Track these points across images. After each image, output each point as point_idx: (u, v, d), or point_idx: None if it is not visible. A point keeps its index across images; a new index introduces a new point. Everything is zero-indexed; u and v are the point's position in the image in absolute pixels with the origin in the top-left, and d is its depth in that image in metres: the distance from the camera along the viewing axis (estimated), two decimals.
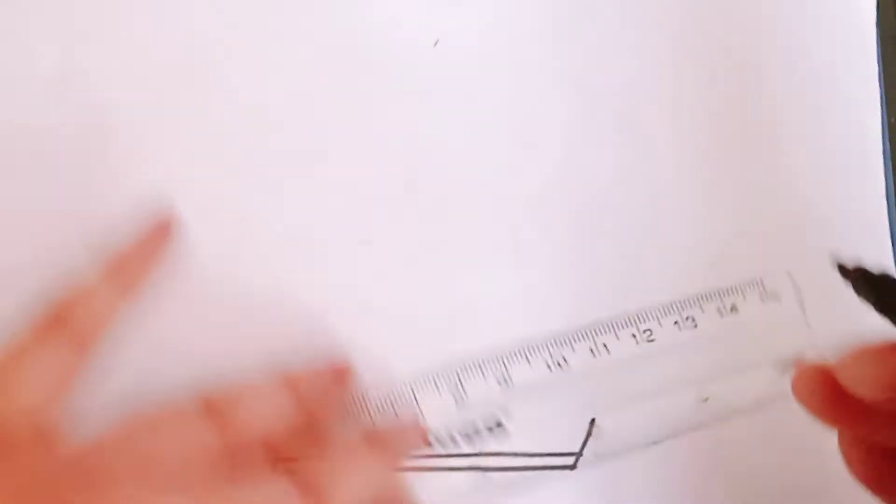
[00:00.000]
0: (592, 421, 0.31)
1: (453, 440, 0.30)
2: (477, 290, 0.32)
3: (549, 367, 0.31)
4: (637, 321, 0.32)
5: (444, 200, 0.32)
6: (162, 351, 0.28)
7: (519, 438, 0.31)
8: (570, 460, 0.31)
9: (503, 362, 0.31)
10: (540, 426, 0.31)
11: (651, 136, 0.33)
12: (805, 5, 0.35)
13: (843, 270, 0.27)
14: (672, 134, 0.34)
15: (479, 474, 0.31)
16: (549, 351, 0.31)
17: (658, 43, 0.34)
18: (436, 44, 0.33)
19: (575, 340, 0.31)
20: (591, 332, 0.32)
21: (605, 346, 0.31)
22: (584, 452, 0.31)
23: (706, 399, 0.32)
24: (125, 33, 0.29)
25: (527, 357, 0.31)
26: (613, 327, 0.32)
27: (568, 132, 0.33)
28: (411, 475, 0.30)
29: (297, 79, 0.32)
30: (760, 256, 0.33)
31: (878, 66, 0.35)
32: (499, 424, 0.31)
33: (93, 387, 0.27)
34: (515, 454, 0.31)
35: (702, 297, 0.32)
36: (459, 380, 0.30)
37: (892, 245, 0.34)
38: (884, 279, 0.27)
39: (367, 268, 0.31)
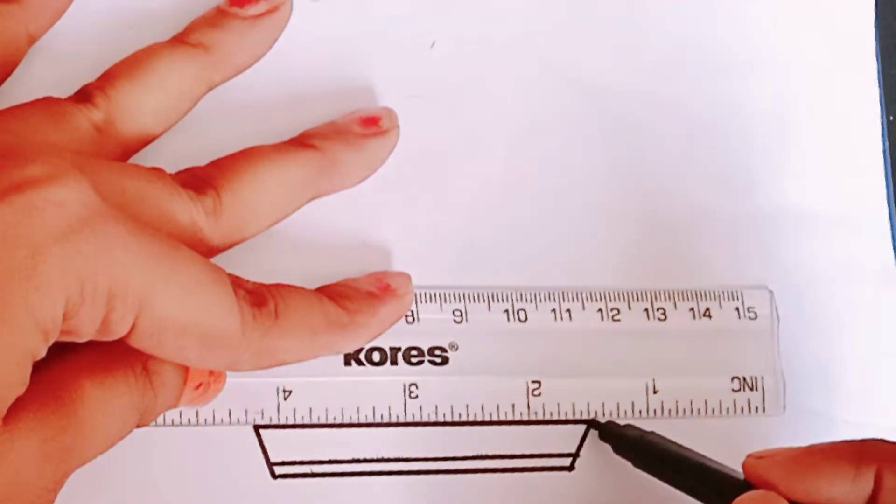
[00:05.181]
0: (589, 423, 0.31)
1: (394, 359, 0.30)
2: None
3: (507, 317, 0.31)
4: (608, 298, 0.32)
5: (443, 201, 0.32)
6: None
7: (456, 376, 0.31)
8: (566, 461, 0.31)
9: (464, 299, 0.31)
10: (482, 369, 0.31)
11: (650, 136, 0.33)
12: (804, 5, 0.34)
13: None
14: (671, 134, 0.34)
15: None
16: (512, 302, 0.31)
17: (657, 43, 0.34)
18: (432, 45, 0.33)
19: (540, 300, 0.31)
20: (558, 296, 0.32)
21: (568, 311, 0.31)
22: (581, 453, 0.31)
23: (656, 392, 0.31)
24: None
25: (489, 301, 0.31)
26: (583, 298, 0.32)
27: (566, 133, 0.33)
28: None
29: (294, 82, 0.32)
30: (756, 258, 0.33)
31: (878, 65, 0.34)
32: (443, 357, 0.31)
33: None
34: (513, 456, 0.31)
35: (678, 294, 0.32)
36: (416, 302, 0.31)
37: (893, 245, 0.34)
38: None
39: (367, 269, 0.31)
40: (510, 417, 0.31)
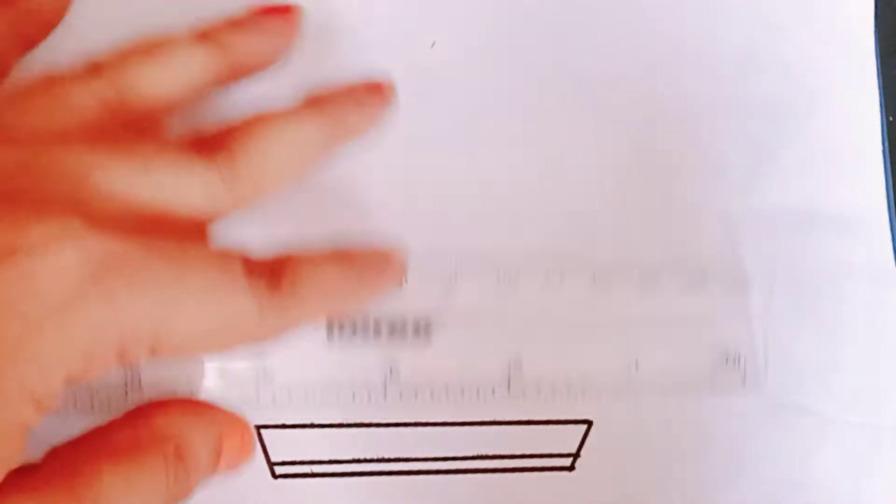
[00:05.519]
0: (590, 424, 0.31)
1: (377, 329, 0.30)
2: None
3: (493, 289, 0.31)
4: (597, 268, 0.32)
5: (442, 201, 0.32)
6: None
7: (440, 352, 0.31)
8: (567, 461, 0.31)
9: (454, 269, 0.31)
10: (464, 343, 0.31)
11: (649, 133, 0.33)
12: (804, 5, 0.34)
13: None
14: (669, 132, 0.33)
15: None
16: (502, 269, 0.31)
17: (656, 41, 0.34)
18: (433, 45, 0.33)
19: (526, 273, 0.31)
20: (545, 269, 0.32)
21: (554, 285, 0.31)
22: (582, 453, 0.31)
23: (637, 365, 0.31)
24: None
25: (474, 273, 0.31)
26: (569, 271, 0.32)
27: (568, 132, 0.33)
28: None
29: (293, 80, 0.32)
30: (755, 258, 0.33)
31: (878, 66, 0.34)
32: (427, 329, 0.31)
33: None
34: (513, 456, 0.31)
35: (671, 268, 0.32)
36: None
37: (893, 245, 0.34)
38: None
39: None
40: (490, 392, 0.31)
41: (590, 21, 0.34)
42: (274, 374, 0.30)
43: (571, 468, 0.31)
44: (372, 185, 0.31)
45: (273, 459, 0.30)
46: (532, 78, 0.33)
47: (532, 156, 0.33)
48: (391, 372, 0.30)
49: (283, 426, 0.30)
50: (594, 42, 0.34)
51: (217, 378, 0.29)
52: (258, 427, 0.30)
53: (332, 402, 0.30)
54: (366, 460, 0.31)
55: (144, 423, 0.23)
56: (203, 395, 0.29)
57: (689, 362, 0.32)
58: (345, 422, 0.30)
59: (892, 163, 0.34)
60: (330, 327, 0.30)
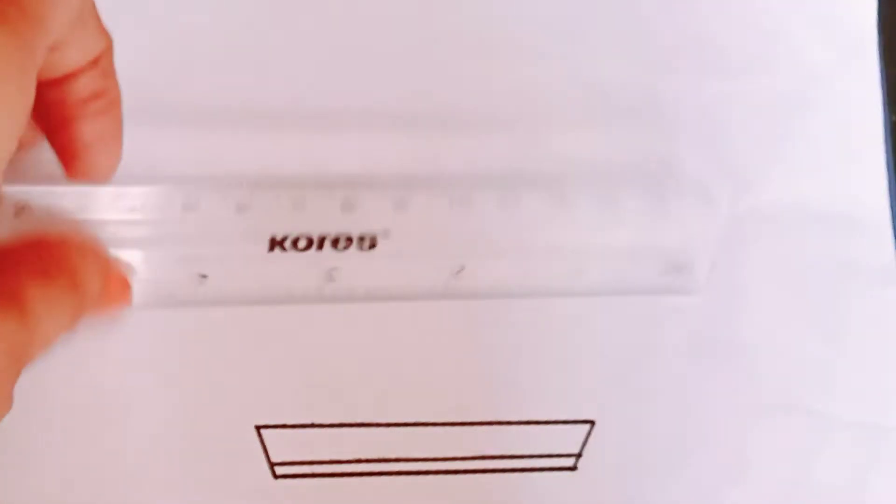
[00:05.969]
0: (592, 423, 0.31)
1: (319, 244, 0.30)
2: None
3: (450, 203, 0.31)
4: (555, 185, 0.31)
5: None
6: None
7: (382, 257, 0.30)
8: (570, 461, 0.31)
9: (404, 187, 0.30)
10: (408, 253, 0.30)
11: (648, 132, 0.33)
12: (805, 5, 0.34)
13: None
14: (670, 131, 0.33)
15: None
16: (456, 188, 0.31)
17: (658, 39, 0.34)
18: (433, 47, 0.33)
19: (483, 188, 0.31)
20: (505, 183, 0.31)
21: (516, 199, 0.31)
22: (584, 453, 0.31)
23: (580, 272, 0.31)
24: None
25: (431, 188, 0.31)
26: (530, 185, 0.31)
27: (564, 122, 0.33)
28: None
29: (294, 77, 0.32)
30: (756, 258, 0.33)
31: (880, 65, 0.34)
32: (372, 242, 0.30)
33: None
34: (515, 456, 0.31)
35: (630, 183, 0.32)
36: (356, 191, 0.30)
37: (895, 244, 0.34)
38: None
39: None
40: (430, 299, 0.31)
41: (590, 17, 0.34)
42: (210, 275, 0.29)
43: (574, 468, 0.31)
44: None
45: (273, 459, 0.30)
46: (531, 74, 0.33)
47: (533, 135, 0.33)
48: (330, 274, 0.30)
49: (284, 426, 0.30)
50: (594, 38, 0.33)
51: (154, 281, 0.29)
52: (258, 427, 0.30)
53: (270, 302, 0.30)
54: (366, 460, 0.30)
55: (48, 251, 0.23)
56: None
57: (633, 270, 0.32)
58: (345, 422, 0.30)
59: (894, 161, 0.34)
60: (271, 244, 0.30)
